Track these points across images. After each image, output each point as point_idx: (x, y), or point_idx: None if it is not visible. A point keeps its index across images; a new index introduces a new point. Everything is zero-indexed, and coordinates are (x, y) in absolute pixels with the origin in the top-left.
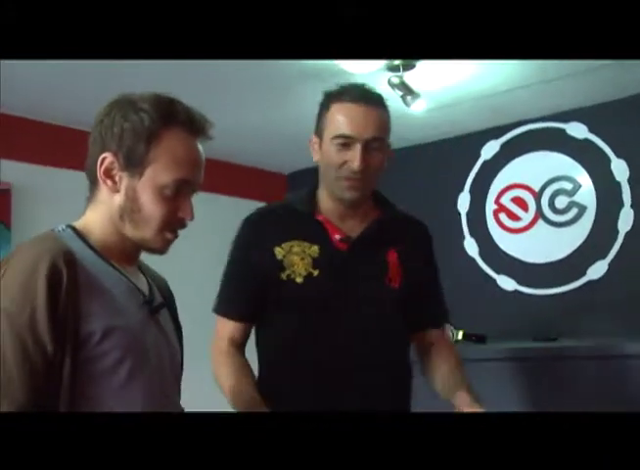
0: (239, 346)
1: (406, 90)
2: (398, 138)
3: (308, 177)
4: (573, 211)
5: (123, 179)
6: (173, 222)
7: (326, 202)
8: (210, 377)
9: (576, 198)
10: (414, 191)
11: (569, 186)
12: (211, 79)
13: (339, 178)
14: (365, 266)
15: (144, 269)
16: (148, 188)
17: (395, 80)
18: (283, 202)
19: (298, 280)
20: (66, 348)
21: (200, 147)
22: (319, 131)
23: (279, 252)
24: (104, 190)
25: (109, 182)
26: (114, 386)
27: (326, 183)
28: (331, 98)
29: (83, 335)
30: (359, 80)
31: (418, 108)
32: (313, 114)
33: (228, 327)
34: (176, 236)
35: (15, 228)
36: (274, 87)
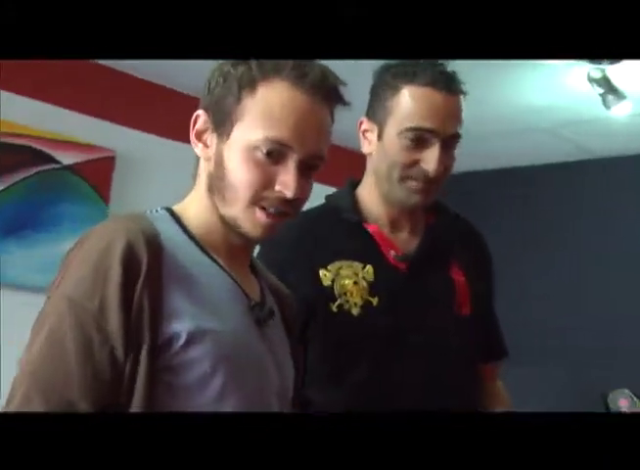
0: None
1: (608, 88)
2: (591, 147)
3: (464, 184)
4: None
5: (213, 142)
6: (266, 196)
7: (375, 206)
8: None
9: None
10: (599, 214)
11: None
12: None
13: (405, 179)
14: (430, 290)
15: (259, 271)
16: (235, 149)
17: (596, 74)
18: (321, 207)
19: (355, 312)
20: (140, 352)
21: (320, 110)
22: (378, 116)
23: (325, 275)
24: (201, 159)
25: (199, 146)
26: (201, 404)
27: (382, 182)
28: (401, 77)
29: (165, 337)
30: (547, 70)
31: (621, 111)
32: (479, 105)
33: None
34: (277, 219)
35: (113, 203)
36: None
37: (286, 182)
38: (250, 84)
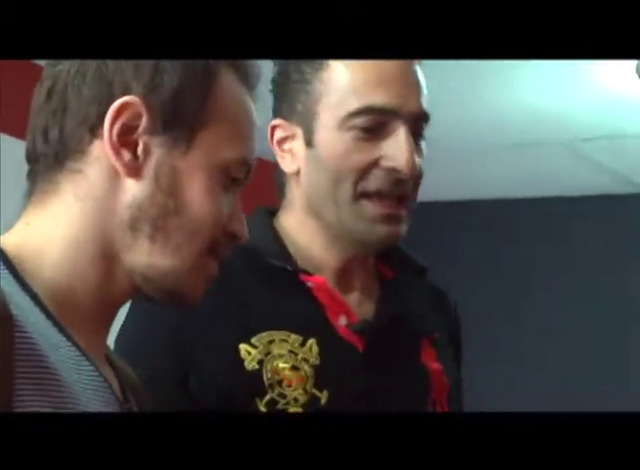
0: None
1: None
2: (622, 175)
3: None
4: None
5: (152, 151)
6: (220, 239)
7: (311, 248)
8: None
9: None
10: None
11: None
12: None
13: (362, 197)
14: (397, 382)
15: (114, 359)
16: (201, 167)
17: None
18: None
19: (294, 410)
20: None
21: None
22: (299, 113)
23: (249, 353)
24: (96, 174)
25: (124, 154)
26: None
27: (323, 210)
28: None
29: None
30: (566, 68)
31: None
32: (484, 116)
33: None
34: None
35: None
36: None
37: (242, 222)
38: (213, 72)
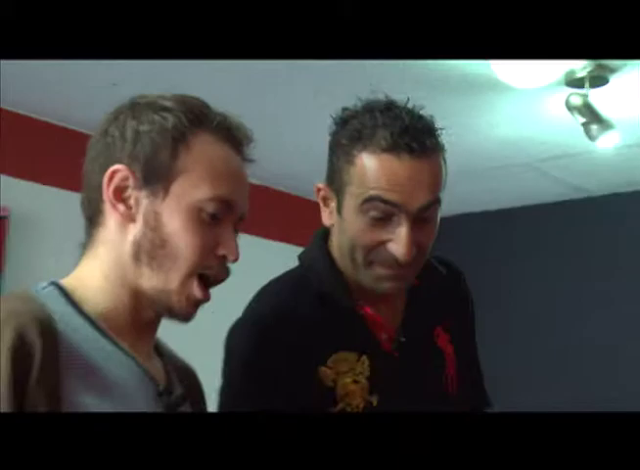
0: None
1: (592, 116)
2: (575, 185)
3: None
4: None
5: (141, 201)
6: (210, 263)
7: (354, 278)
8: None
9: None
10: (593, 250)
11: None
12: (293, 103)
13: (371, 264)
14: (421, 371)
15: (163, 351)
16: (177, 209)
17: (577, 101)
18: (298, 285)
19: None
20: None
21: (242, 165)
22: (336, 186)
23: (326, 373)
24: (111, 224)
25: (120, 207)
26: None
27: (347, 263)
28: (355, 141)
29: None
30: (523, 96)
31: (607, 143)
32: (447, 140)
33: None
34: (208, 295)
35: (9, 269)
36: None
37: (230, 245)
38: (184, 137)
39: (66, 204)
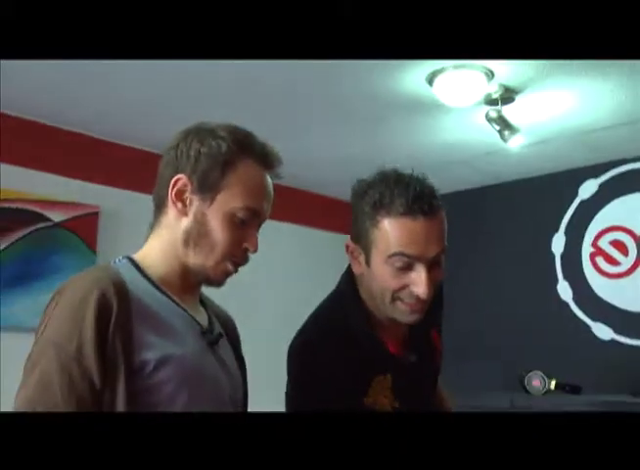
0: None
1: (504, 125)
2: (492, 175)
3: None
4: None
5: (194, 203)
6: (237, 252)
7: (375, 316)
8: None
9: None
10: (506, 231)
11: None
12: (299, 108)
13: (396, 300)
14: (426, 371)
15: (206, 303)
16: (218, 213)
17: (493, 114)
18: (334, 327)
19: None
20: (117, 379)
21: (270, 182)
22: (363, 243)
23: (369, 402)
24: (170, 214)
25: (179, 205)
26: None
27: (376, 303)
28: (377, 208)
29: (137, 365)
30: (455, 115)
31: (515, 143)
32: (404, 145)
33: None
34: (236, 270)
35: (100, 252)
36: (364, 118)
37: (252, 241)
38: (232, 160)
39: (142, 204)
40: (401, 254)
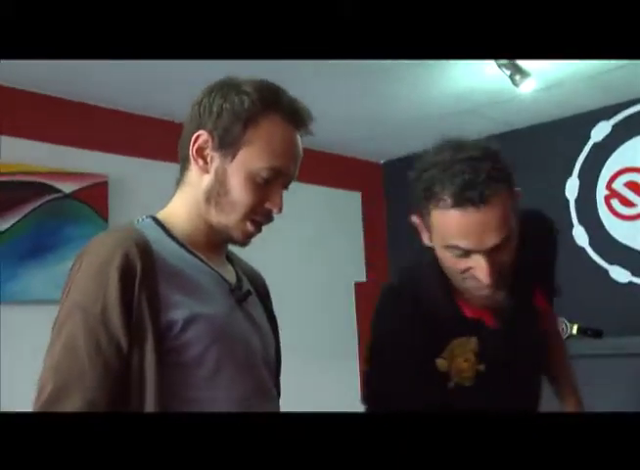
0: None
1: (515, 69)
2: (503, 123)
3: (405, 166)
4: None
5: (215, 159)
6: (259, 212)
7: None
8: (312, 370)
9: None
10: (519, 176)
11: None
12: (303, 65)
13: (465, 280)
14: (521, 336)
15: (234, 260)
16: (239, 171)
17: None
18: (413, 296)
19: (468, 384)
20: (145, 340)
21: (299, 140)
22: (425, 223)
23: (442, 364)
24: (193, 171)
25: (200, 161)
26: (202, 376)
27: (449, 274)
28: (427, 200)
29: (164, 325)
30: (462, 64)
31: (527, 88)
32: (411, 98)
33: None
34: (259, 230)
35: (112, 220)
36: (370, 71)
37: (276, 201)
38: (254, 117)
39: (150, 171)
40: (455, 246)
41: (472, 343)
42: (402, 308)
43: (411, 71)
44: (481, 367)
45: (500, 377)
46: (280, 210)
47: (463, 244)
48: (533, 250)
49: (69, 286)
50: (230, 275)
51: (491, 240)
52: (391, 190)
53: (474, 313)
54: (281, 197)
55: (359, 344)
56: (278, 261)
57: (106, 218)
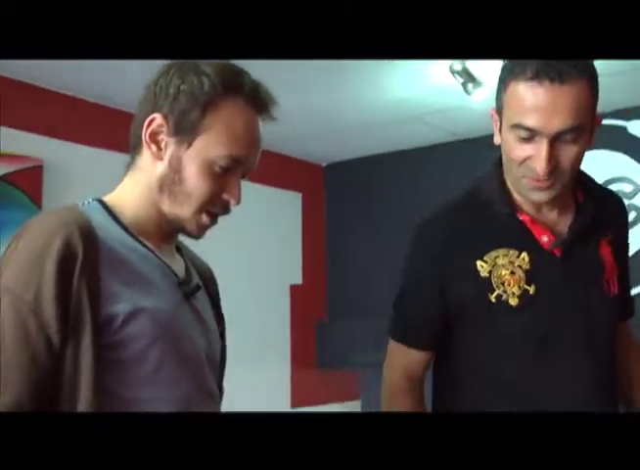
0: (416, 380)
1: (468, 77)
2: (453, 131)
3: (347, 170)
4: (632, 215)
5: (170, 146)
6: (216, 203)
7: (518, 194)
8: (244, 371)
9: (635, 201)
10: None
11: (628, 188)
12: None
13: (522, 176)
14: (583, 273)
15: (184, 252)
16: (195, 160)
17: (458, 67)
18: (467, 196)
19: (513, 302)
20: (83, 333)
21: (260, 126)
22: (498, 109)
23: (482, 266)
24: (146, 156)
25: (153, 147)
26: (143, 373)
27: (509, 176)
28: (507, 73)
29: (104, 318)
30: (414, 66)
31: (477, 97)
32: (359, 100)
33: (406, 357)
34: (215, 222)
35: (45, 207)
36: (318, 67)
37: (234, 192)
38: (214, 100)
39: (91, 158)
40: (521, 125)
41: (523, 259)
42: (440, 226)
43: (357, 76)
44: (531, 288)
45: (555, 308)
46: (238, 201)
47: (530, 121)
48: (612, 219)
49: (2, 269)
50: (179, 267)
51: (559, 122)
52: (332, 193)
53: (539, 233)
54: (239, 187)
55: (291, 346)
56: (213, 259)
57: (39, 205)
